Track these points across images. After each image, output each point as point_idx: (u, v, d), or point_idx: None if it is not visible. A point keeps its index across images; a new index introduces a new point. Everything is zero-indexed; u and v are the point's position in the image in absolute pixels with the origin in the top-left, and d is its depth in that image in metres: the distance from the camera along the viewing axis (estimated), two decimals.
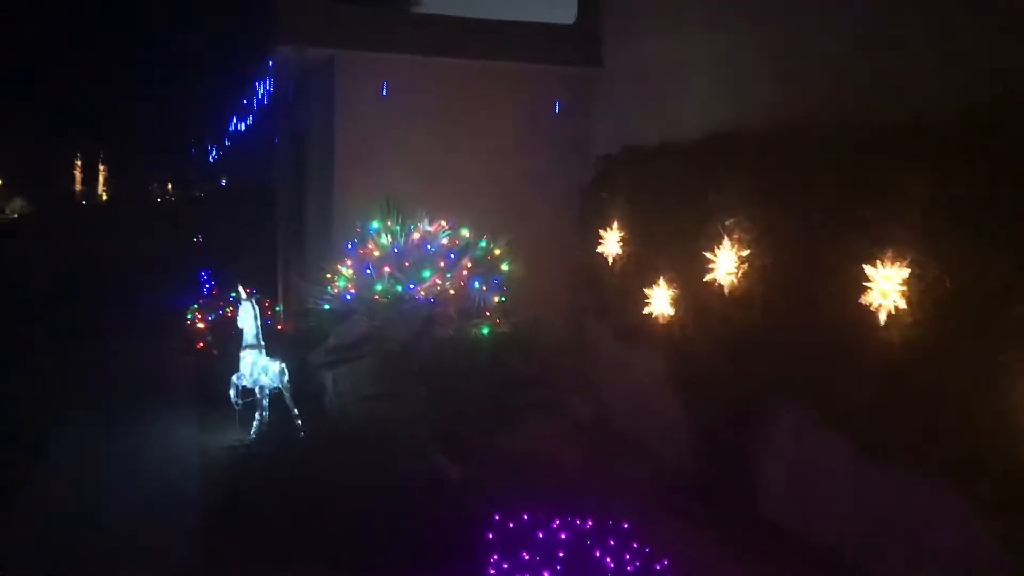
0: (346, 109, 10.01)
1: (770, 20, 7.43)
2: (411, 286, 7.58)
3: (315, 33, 9.55)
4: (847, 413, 6.04)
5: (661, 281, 8.13)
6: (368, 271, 7.72)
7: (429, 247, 7.80)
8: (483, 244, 8.00)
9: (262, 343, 9.69)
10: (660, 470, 8.50)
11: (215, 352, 12.98)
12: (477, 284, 7.75)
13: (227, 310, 13.80)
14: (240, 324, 9.83)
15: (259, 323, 9.73)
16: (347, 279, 7.88)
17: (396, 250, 7.80)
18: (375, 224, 8.24)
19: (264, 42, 10.85)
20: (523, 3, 10.66)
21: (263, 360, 9.50)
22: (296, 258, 12.68)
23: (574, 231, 10.30)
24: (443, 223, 8.17)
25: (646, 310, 8.31)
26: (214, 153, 27.74)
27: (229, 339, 12.89)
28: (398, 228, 8.00)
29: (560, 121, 10.57)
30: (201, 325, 13.76)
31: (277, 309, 14.20)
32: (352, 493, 6.74)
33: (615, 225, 9.19)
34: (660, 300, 8.13)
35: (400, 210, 8.39)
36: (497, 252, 7.99)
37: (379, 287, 7.64)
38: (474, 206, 9.52)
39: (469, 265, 7.82)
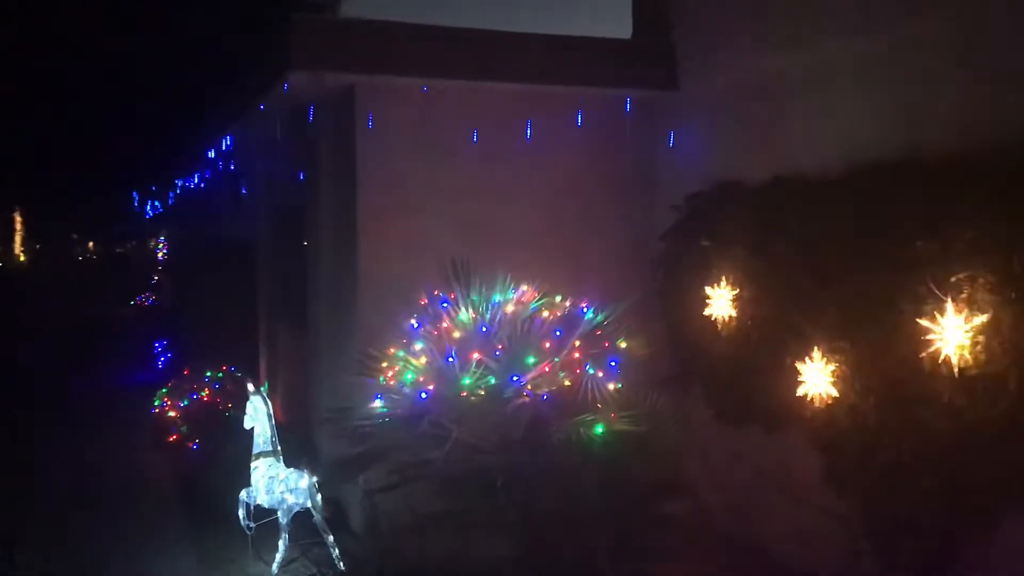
0: (370, 148, 8.07)
1: (953, 12, 5.78)
2: (514, 379, 5.63)
3: (334, 56, 7.60)
4: None
5: (816, 353, 6.34)
6: (450, 359, 5.75)
7: (528, 323, 5.88)
8: (589, 315, 6.11)
9: (279, 448, 7.61)
10: None
11: (193, 446, 10.79)
12: (591, 370, 5.86)
13: (203, 393, 11.61)
14: (247, 425, 7.75)
15: (273, 423, 7.65)
16: (416, 370, 5.90)
17: (485, 329, 5.86)
18: (443, 293, 6.31)
19: (258, 71, 8.87)
20: (559, 16, 8.85)
21: (284, 472, 7.40)
22: (292, 333, 10.55)
23: (644, 286, 8.41)
24: (525, 287, 6.26)
25: (797, 389, 6.50)
26: (157, 205, 25.08)
27: (209, 428, 10.79)
28: (476, 297, 6.06)
29: (625, 155, 8.79)
30: (172, 413, 11.51)
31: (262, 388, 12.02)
32: None
33: (725, 281, 7.40)
34: (815, 377, 6.34)
35: (469, 272, 6.47)
36: (608, 325, 6.10)
37: (467, 381, 5.68)
38: (526, 260, 7.66)
39: (577, 344, 5.93)
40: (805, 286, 6.54)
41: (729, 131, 7.94)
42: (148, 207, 28.03)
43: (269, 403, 7.68)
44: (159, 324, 18.92)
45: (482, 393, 5.68)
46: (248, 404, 7.71)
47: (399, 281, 7.94)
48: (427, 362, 5.85)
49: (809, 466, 6.67)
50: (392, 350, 6.45)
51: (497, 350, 5.77)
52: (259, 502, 7.50)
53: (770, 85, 7.39)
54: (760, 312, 7.04)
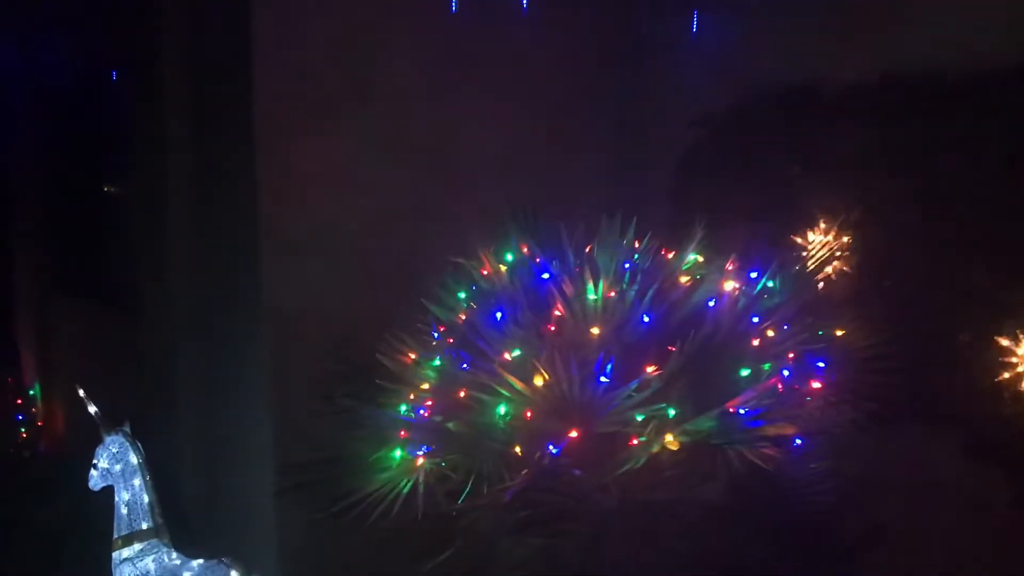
0: (273, 28, 5.07)
1: None
2: (741, 411, 3.09)
3: None
4: None
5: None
6: (603, 379, 3.11)
7: (711, 306, 3.35)
8: (772, 284, 3.69)
9: (161, 523, 4.52)
10: None
11: None
12: (789, 376, 3.48)
13: None
14: (96, 485, 4.57)
15: (152, 486, 4.52)
16: (520, 400, 3.18)
17: (648, 318, 3.26)
18: (510, 255, 3.62)
19: None
20: None
21: (186, 567, 4.35)
22: (99, 314, 7.11)
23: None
24: (650, 245, 3.71)
25: (984, 376, 4.55)
26: None
27: None
28: (606, 263, 3.42)
29: (623, 53, 6.35)
30: None
31: (31, 393, 8.40)
32: None
33: (824, 223, 5.26)
34: None
35: (536, 222, 3.85)
36: (810, 301, 3.71)
37: (640, 418, 3.10)
38: (480, 197, 5.22)
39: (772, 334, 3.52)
40: (987, 229, 4.59)
41: (792, 19, 5.73)
42: None
43: (140, 448, 4.52)
44: None
45: (671, 440, 3.10)
46: (100, 450, 4.52)
47: (330, 234, 5.15)
48: (548, 384, 3.16)
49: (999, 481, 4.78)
50: (411, 355, 3.68)
51: (668, 356, 3.20)
52: None
53: None
54: (901, 266, 4.99)
